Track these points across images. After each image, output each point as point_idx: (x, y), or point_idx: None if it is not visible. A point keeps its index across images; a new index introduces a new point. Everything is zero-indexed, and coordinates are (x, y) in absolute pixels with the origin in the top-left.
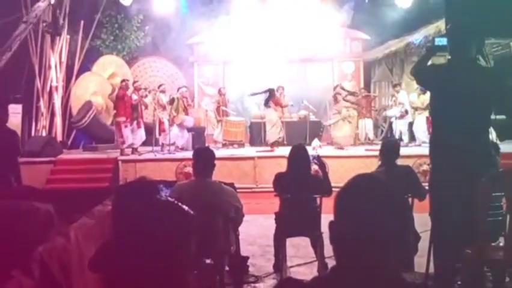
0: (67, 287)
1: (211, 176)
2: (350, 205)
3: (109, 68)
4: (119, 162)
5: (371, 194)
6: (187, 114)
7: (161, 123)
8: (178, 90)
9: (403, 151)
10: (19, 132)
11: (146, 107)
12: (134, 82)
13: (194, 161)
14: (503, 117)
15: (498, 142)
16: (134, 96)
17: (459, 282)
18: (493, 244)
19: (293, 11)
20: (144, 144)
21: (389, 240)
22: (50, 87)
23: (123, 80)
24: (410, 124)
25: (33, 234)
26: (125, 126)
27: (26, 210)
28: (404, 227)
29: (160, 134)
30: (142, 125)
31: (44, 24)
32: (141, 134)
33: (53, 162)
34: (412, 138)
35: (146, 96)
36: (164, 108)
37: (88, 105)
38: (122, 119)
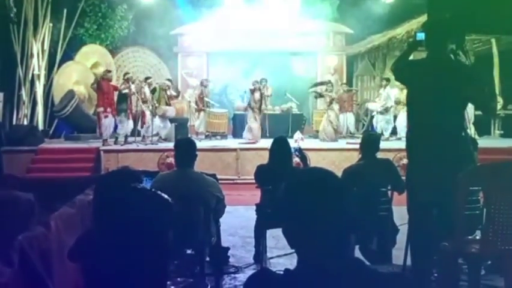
0: (46, 276)
1: (192, 166)
2: (297, 203)
3: (92, 57)
4: (101, 152)
5: (315, 188)
6: (169, 105)
7: (144, 115)
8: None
9: (384, 145)
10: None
11: (144, 101)
12: (126, 74)
13: (175, 152)
14: (480, 113)
15: (477, 137)
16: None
17: (435, 274)
18: (469, 237)
19: (278, 3)
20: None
21: (341, 230)
22: (32, 75)
23: (107, 71)
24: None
25: (14, 223)
26: (105, 117)
27: (6, 199)
28: (352, 214)
29: (142, 127)
30: (131, 117)
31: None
32: (128, 126)
33: (34, 151)
34: (394, 132)
35: (142, 87)
36: (145, 101)
37: (71, 94)
38: (100, 109)
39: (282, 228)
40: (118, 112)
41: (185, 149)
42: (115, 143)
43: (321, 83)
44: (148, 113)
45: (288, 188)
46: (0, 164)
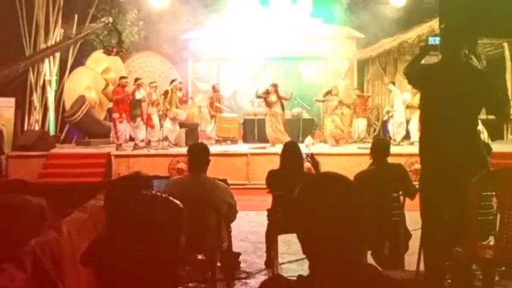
0: (58, 281)
1: (205, 171)
2: (311, 207)
3: (103, 62)
4: (112, 157)
5: (328, 193)
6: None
7: (149, 119)
8: (171, 83)
9: (395, 150)
10: (11, 126)
11: (155, 105)
12: (137, 79)
13: (189, 156)
14: (493, 117)
15: (490, 142)
16: (138, 95)
17: (449, 280)
18: (483, 243)
19: (288, 8)
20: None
21: (354, 235)
22: (44, 81)
23: (122, 77)
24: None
25: (26, 227)
26: (120, 122)
27: (18, 204)
28: (363, 222)
29: (146, 129)
30: (144, 122)
31: (109, 48)
32: (144, 130)
33: (45, 157)
34: (407, 136)
35: (151, 92)
36: (154, 104)
37: (81, 99)
38: (116, 115)
39: (297, 233)
40: (134, 118)
41: (198, 153)
42: (134, 148)
43: (327, 93)
44: (154, 117)
45: (301, 193)
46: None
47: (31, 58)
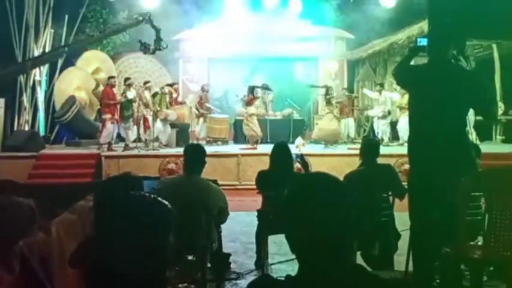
0: (46, 282)
1: (200, 172)
2: (300, 208)
3: (93, 63)
4: (102, 158)
5: (317, 193)
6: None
7: (145, 120)
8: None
9: (385, 150)
10: (1, 126)
11: (146, 106)
12: (127, 79)
13: (184, 157)
14: (481, 118)
15: (478, 143)
16: (130, 94)
17: (437, 280)
18: (471, 243)
19: (279, 9)
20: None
21: (343, 235)
22: (34, 81)
23: (110, 77)
24: (393, 123)
25: (14, 229)
26: (112, 123)
27: (7, 204)
28: (352, 220)
29: (145, 131)
30: (134, 123)
31: (146, 45)
32: (134, 131)
33: (35, 157)
34: (395, 137)
35: (145, 92)
36: (147, 106)
37: (72, 100)
38: (107, 116)
39: (285, 233)
40: (126, 119)
41: (194, 155)
42: (125, 149)
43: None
44: (150, 118)
45: (291, 193)
46: None
47: (43, 56)
